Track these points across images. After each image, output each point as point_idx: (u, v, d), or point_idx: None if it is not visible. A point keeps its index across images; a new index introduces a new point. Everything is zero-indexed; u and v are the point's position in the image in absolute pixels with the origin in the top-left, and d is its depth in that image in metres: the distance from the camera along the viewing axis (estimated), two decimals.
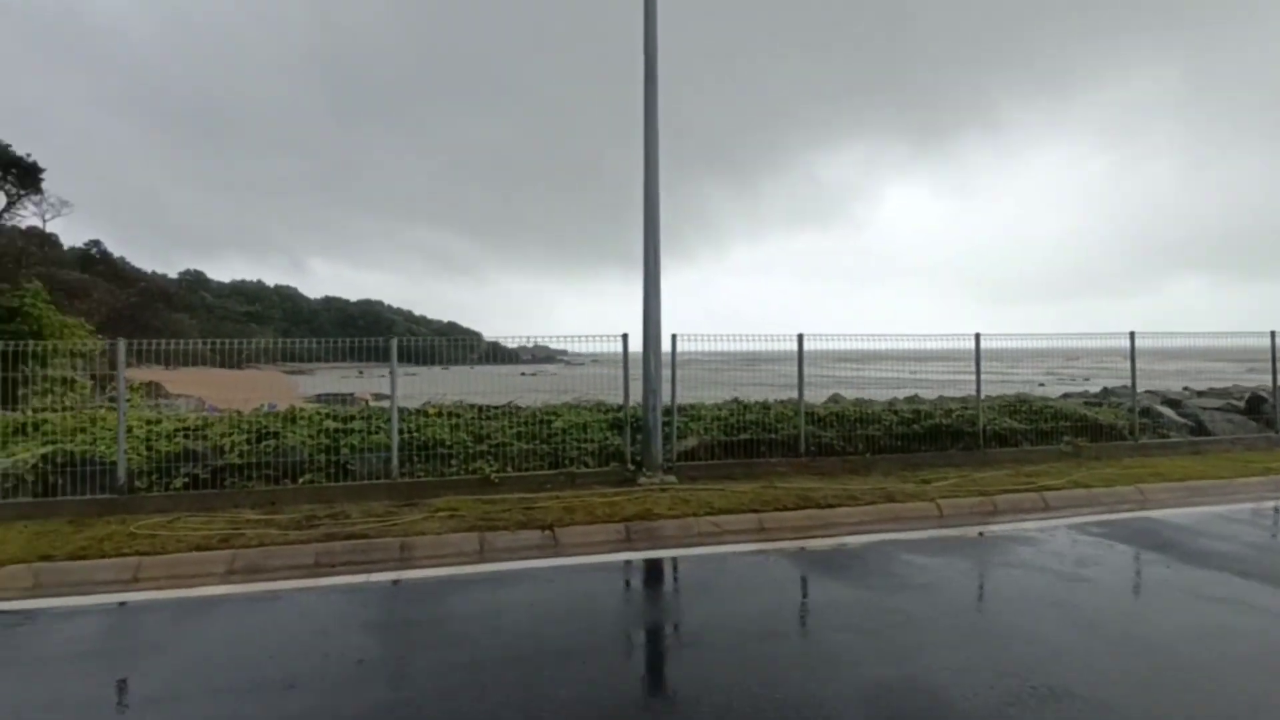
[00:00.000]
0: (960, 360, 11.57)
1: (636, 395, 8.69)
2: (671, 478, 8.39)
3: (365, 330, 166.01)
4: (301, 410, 9.04)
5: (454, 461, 8.21)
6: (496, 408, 9.45)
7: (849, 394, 13.08)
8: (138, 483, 7.35)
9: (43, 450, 7.38)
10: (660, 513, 6.85)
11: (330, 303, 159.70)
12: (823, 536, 6.53)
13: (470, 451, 8.30)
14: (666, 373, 8.62)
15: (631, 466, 8.50)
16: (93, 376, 45.05)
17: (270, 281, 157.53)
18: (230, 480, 7.54)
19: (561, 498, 7.51)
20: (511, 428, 8.74)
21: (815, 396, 11.16)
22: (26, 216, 47.48)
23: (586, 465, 8.50)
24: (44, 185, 44.76)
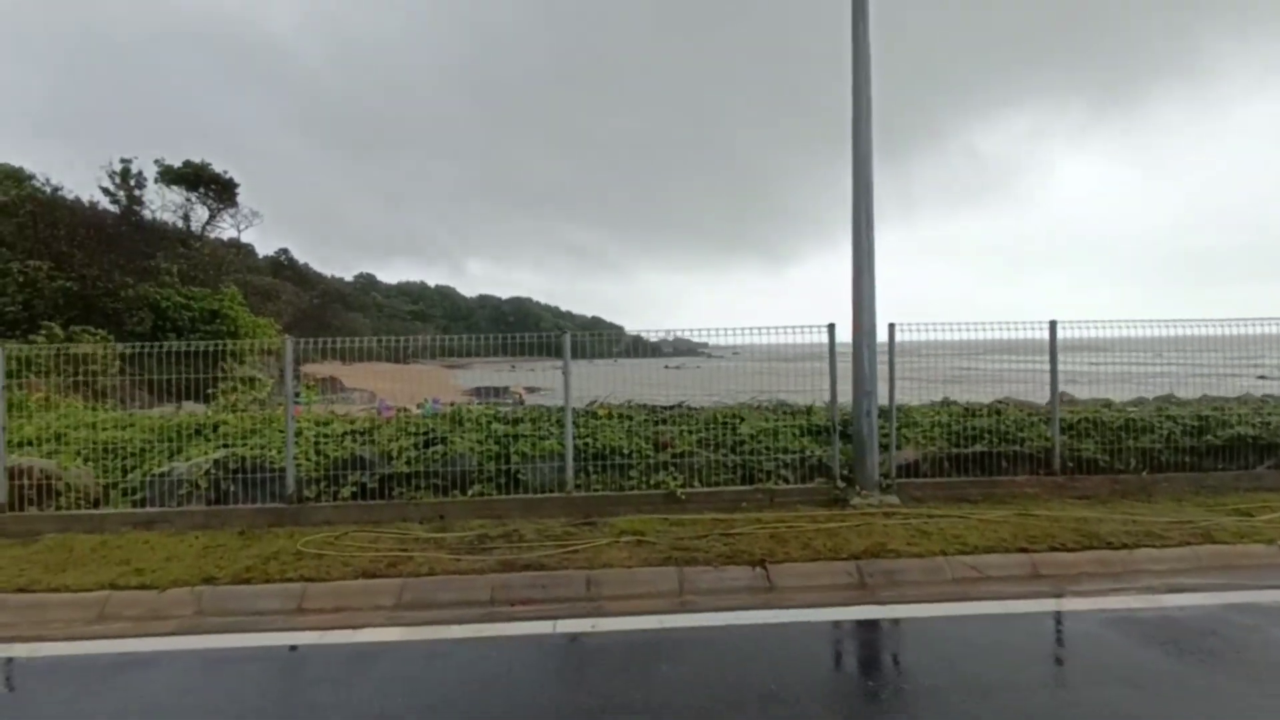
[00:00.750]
0: (1225, 350, 9.02)
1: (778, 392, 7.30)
2: (892, 498, 6.90)
3: (516, 325, 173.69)
4: (467, 410, 8.40)
5: (633, 473, 7.17)
6: (668, 408, 8.37)
7: (1078, 392, 10.86)
8: (306, 491, 6.90)
9: (216, 454, 7.10)
10: (896, 548, 5.42)
11: (484, 300, 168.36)
12: (1126, 591, 4.84)
13: (650, 462, 7.24)
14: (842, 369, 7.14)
15: (840, 483, 7.10)
16: (281, 373, 49.34)
17: (431, 282, 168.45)
18: (398, 490, 6.92)
19: (763, 521, 6.25)
20: (691, 432, 7.58)
21: (1033, 396, 9.14)
22: (225, 228, 52.64)
23: (785, 480, 7.19)
24: (238, 199, 49.29)
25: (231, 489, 6.85)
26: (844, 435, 7.31)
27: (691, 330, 8.67)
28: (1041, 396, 9.28)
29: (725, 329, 7.41)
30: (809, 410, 8.19)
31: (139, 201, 44.30)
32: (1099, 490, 7.13)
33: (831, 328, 7.25)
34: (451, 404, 34.24)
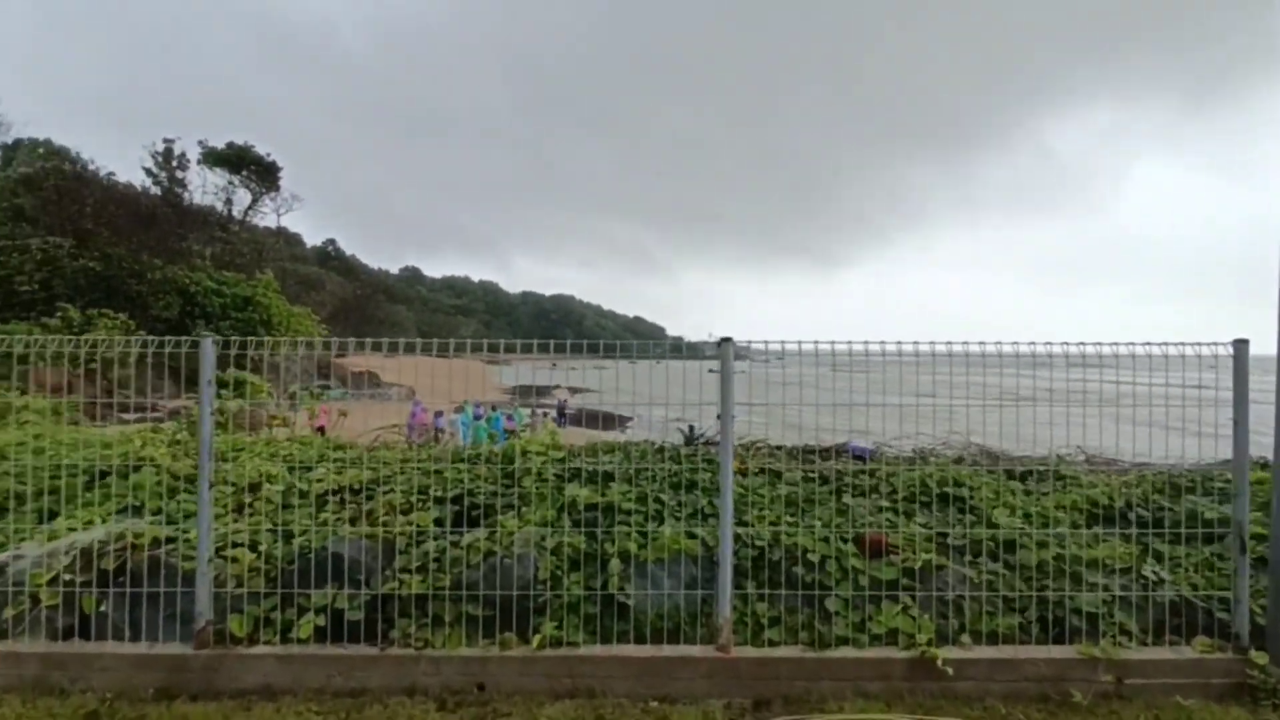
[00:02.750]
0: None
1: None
2: None
3: (558, 323, 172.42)
4: (523, 449, 5.14)
5: (833, 603, 3.85)
6: (827, 452, 5.16)
7: None
8: (233, 622, 3.72)
9: (95, 532, 4.01)
10: None
11: (527, 297, 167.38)
12: None
13: (859, 579, 3.91)
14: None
15: (1255, 651, 3.64)
16: (316, 366, 45.90)
17: (475, 277, 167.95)
18: (405, 624, 3.72)
19: None
20: (911, 518, 4.24)
21: None
22: (266, 214, 50.98)
23: (1127, 634, 3.77)
24: (280, 183, 47.54)
25: (103, 609, 3.74)
26: (1257, 556, 3.86)
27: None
28: None
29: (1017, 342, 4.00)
30: (1123, 483, 4.76)
31: (181, 183, 42.65)
32: None
33: (1241, 345, 3.73)
34: (494, 407, 30.44)
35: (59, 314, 24.07)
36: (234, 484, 4.40)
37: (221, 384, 7.56)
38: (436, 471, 4.36)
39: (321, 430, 22.31)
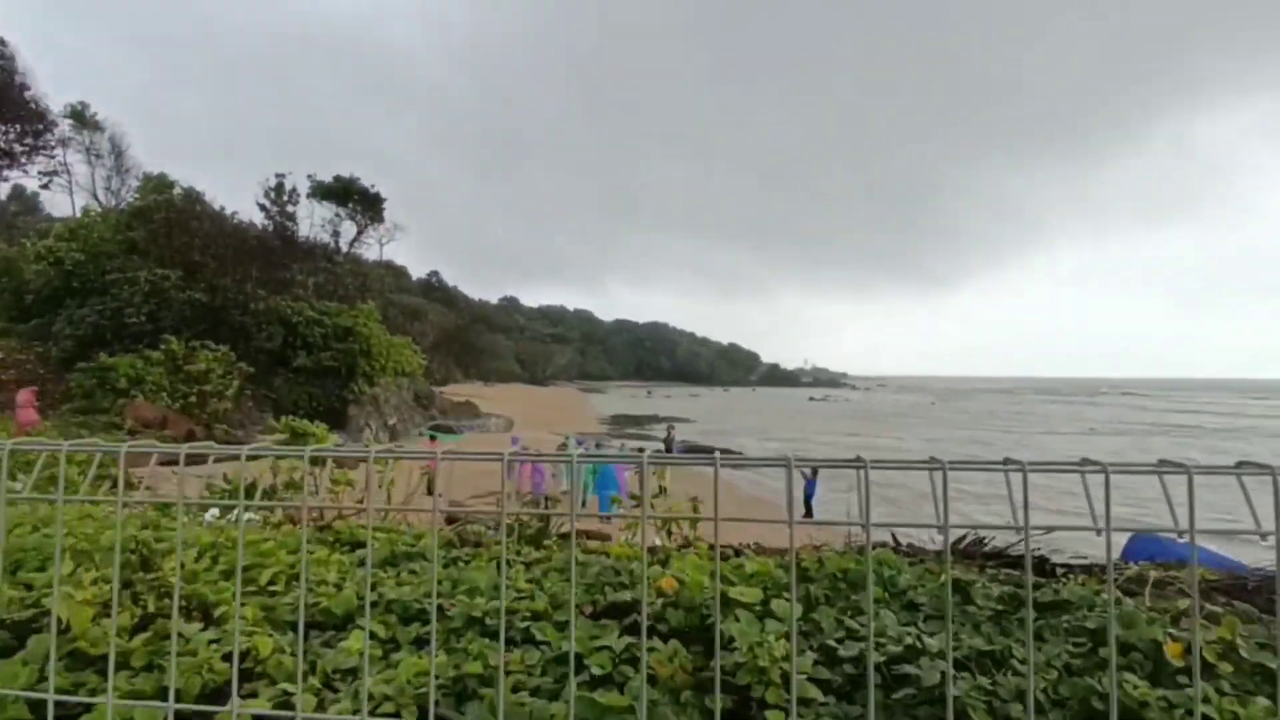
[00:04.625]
0: None
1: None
2: None
3: (652, 350, 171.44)
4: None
5: None
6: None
7: None
8: None
9: None
10: None
11: (621, 325, 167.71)
12: None
13: None
14: None
15: None
16: (415, 396, 45.71)
17: (570, 305, 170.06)
18: None
19: None
20: None
21: None
22: (370, 244, 51.94)
23: None
24: (384, 213, 48.28)
25: None
26: None
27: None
28: None
29: None
30: None
31: (291, 217, 43.83)
32: None
33: None
34: (597, 444, 28.55)
35: (162, 345, 24.00)
36: None
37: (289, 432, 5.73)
38: None
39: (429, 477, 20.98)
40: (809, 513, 20.66)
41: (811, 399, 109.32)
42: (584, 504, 19.69)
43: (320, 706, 1.87)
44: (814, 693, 1.86)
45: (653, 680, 2.00)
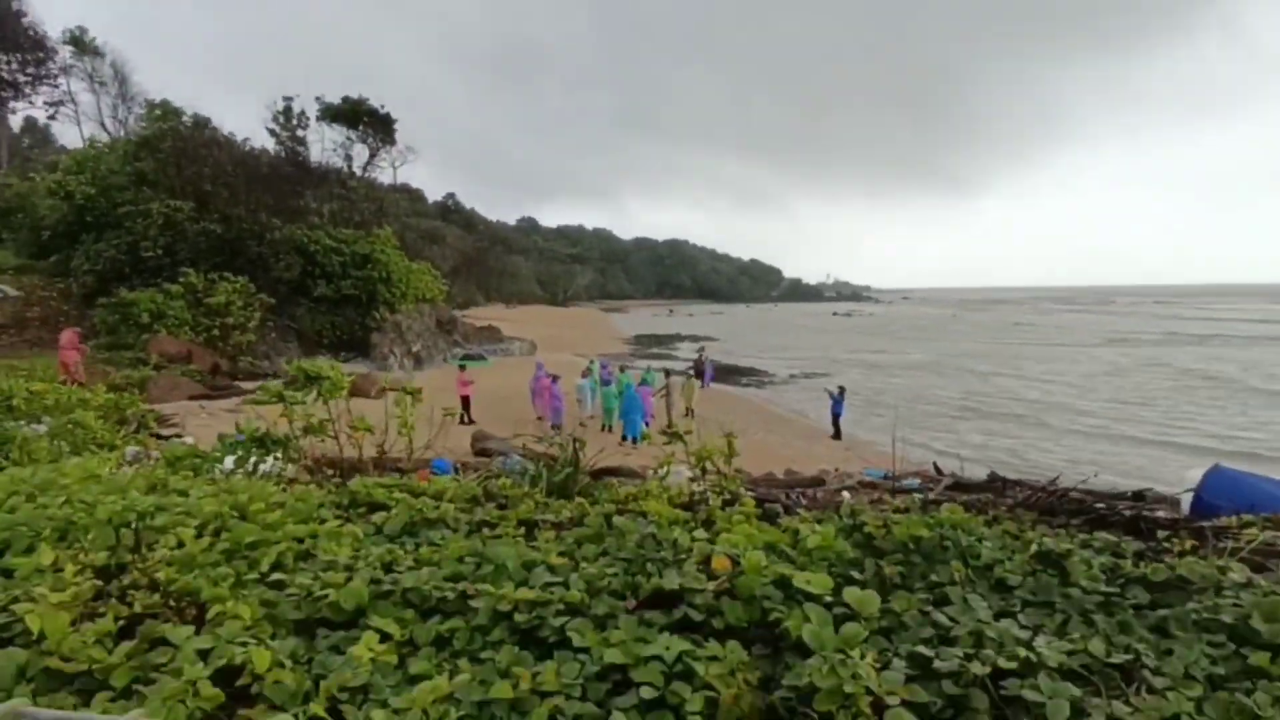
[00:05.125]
0: None
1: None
2: None
3: (673, 268, 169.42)
4: None
5: None
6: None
7: None
8: None
9: None
10: None
11: (641, 243, 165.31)
12: None
13: None
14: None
15: None
16: (438, 322, 45.78)
17: (589, 224, 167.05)
18: None
19: None
20: None
21: None
22: (384, 168, 50.73)
23: None
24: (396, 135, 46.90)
25: None
26: None
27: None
28: None
29: None
30: None
31: (301, 141, 42.79)
32: None
33: None
34: (622, 368, 28.29)
35: (181, 279, 23.83)
36: None
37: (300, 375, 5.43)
38: None
39: (466, 401, 20.86)
40: (837, 433, 20.45)
41: (835, 314, 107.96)
42: (608, 428, 19.62)
43: None
44: None
45: (711, 703, 1.69)
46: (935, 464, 7.60)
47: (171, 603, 2.17)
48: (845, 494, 6.81)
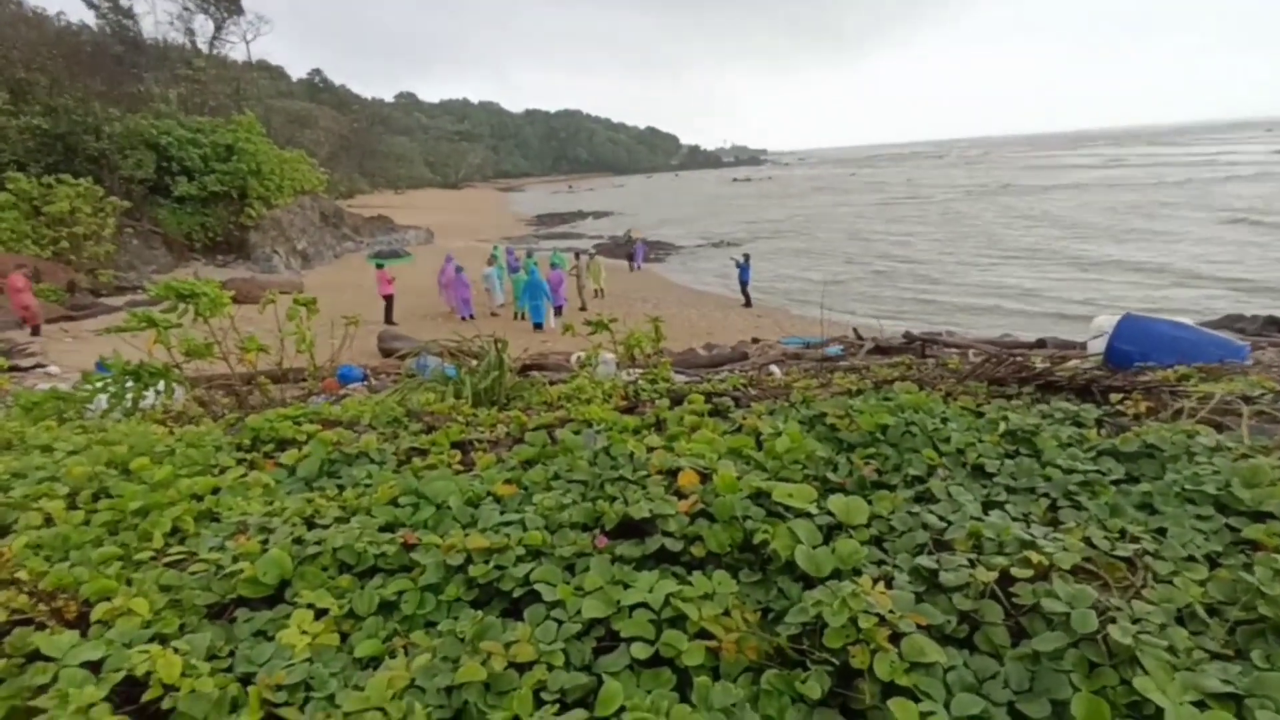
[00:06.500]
0: None
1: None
2: None
3: (567, 140, 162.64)
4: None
5: None
6: None
7: None
8: None
9: None
10: None
11: (532, 115, 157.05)
12: None
13: None
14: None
15: None
16: (322, 215, 42.86)
17: (475, 98, 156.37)
18: None
19: None
20: None
21: None
22: (234, 43, 45.10)
23: None
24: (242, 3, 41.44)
25: None
26: None
27: None
28: None
29: None
30: None
31: (128, 14, 37.25)
32: None
33: None
34: (529, 253, 27.49)
35: (8, 185, 20.97)
36: None
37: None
38: None
39: (390, 301, 19.80)
40: (747, 301, 20.72)
41: (735, 180, 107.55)
42: (520, 316, 19.13)
43: None
44: (935, 654, 1.41)
45: (712, 653, 1.51)
46: (855, 329, 7.67)
47: (43, 604, 1.79)
48: (774, 368, 6.81)
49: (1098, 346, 5.55)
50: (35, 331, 14.86)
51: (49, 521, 2.28)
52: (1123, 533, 1.76)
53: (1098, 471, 2.10)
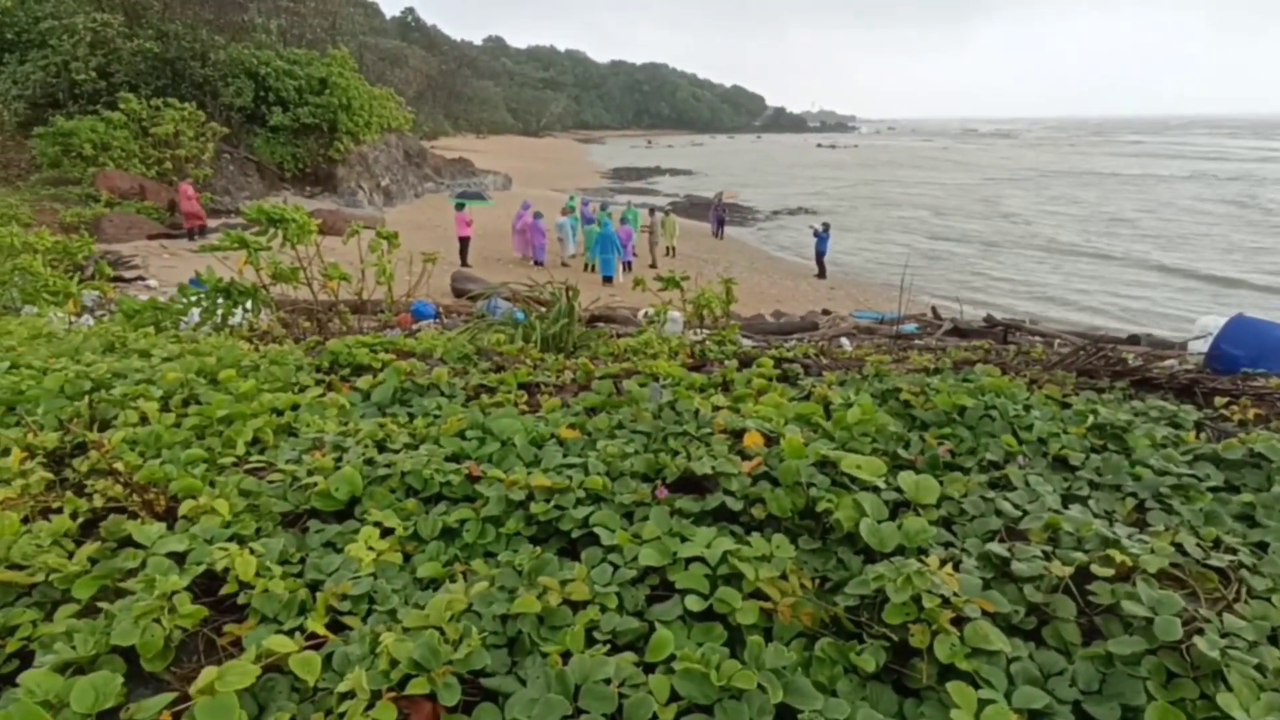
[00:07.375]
0: None
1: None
2: None
3: (650, 94, 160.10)
4: None
5: None
6: None
7: None
8: None
9: None
10: None
11: (618, 67, 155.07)
12: None
13: None
14: None
15: None
16: (406, 154, 43.36)
17: (561, 46, 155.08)
18: None
19: None
20: None
21: None
22: None
23: None
24: None
25: None
26: None
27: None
28: None
29: None
30: None
31: None
32: None
33: None
34: (603, 206, 27.43)
35: (120, 105, 21.96)
36: None
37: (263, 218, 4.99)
38: None
39: (465, 243, 20.72)
40: (821, 272, 20.21)
41: (819, 145, 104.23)
42: (590, 268, 19.16)
43: (327, 665, 1.39)
44: (1000, 642, 1.36)
45: (765, 614, 1.50)
46: (934, 308, 7.40)
47: (136, 495, 1.91)
48: (844, 341, 6.64)
49: (1200, 347, 5.21)
50: (201, 232, 17.95)
51: (144, 420, 2.43)
52: (1217, 542, 1.65)
53: (1193, 476, 1.97)
